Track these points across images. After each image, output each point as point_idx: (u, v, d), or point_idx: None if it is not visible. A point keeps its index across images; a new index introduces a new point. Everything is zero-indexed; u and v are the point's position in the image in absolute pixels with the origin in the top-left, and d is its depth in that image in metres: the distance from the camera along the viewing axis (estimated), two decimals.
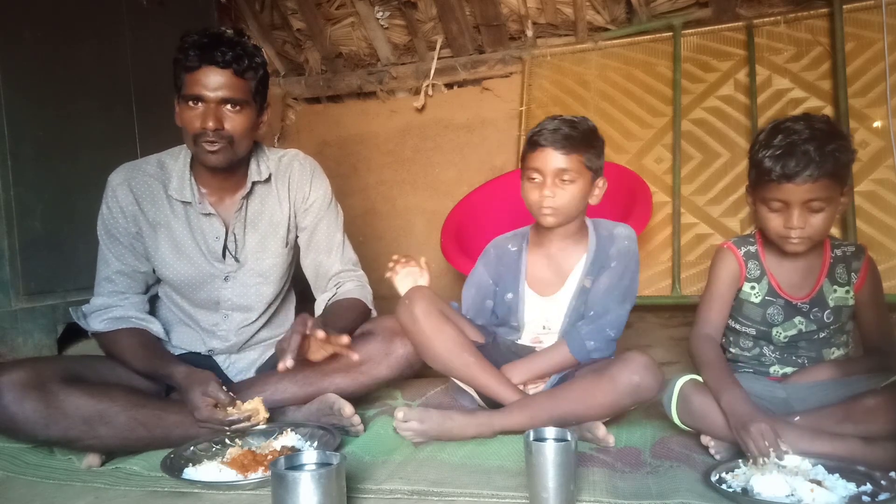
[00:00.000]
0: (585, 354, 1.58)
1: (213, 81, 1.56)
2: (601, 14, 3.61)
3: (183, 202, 1.70)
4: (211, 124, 1.57)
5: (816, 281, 1.54)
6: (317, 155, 1.88)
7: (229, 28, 1.65)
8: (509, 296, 1.70)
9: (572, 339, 1.60)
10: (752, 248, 1.58)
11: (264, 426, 1.50)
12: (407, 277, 1.78)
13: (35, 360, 1.64)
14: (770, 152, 1.40)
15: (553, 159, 1.57)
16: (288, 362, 1.45)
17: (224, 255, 1.73)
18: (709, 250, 1.57)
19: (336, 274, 1.82)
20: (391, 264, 1.83)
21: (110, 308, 1.67)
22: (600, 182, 1.66)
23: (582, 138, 1.59)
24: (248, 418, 1.47)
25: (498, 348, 1.70)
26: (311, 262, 1.84)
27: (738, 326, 1.61)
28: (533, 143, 1.60)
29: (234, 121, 1.60)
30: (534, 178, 1.60)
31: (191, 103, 1.58)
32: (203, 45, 1.56)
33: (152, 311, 1.77)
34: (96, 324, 1.65)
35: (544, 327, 1.71)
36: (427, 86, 3.97)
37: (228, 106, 1.59)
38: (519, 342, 1.74)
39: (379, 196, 4.15)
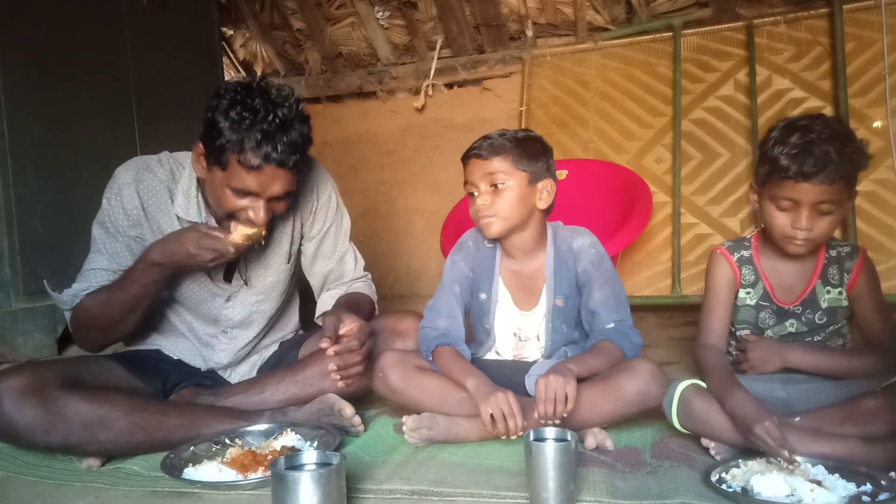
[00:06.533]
0: (635, 351, 1.57)
1: (271, 183, 1.46)
2: (601, 14, 3.62)
3: (189, 221, 1.63)
4: (262, 219, 1.48)
5: (808, 283, 1.53)
6: (317, 155, 1.86)
7: (278, 85, 1.48)
8: (483, 296, 1.69)
9: (621, 339, 1.56)
10: (747, 253, 1.58)
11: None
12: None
13: (34, 365, 1.59)
14: (787, 150, 1.38)
15: (478, 167, 1.57)
16: (324, 343, 1.46)
17: (230, 277, 1.71)
18: (709, 250, 1.57)
19: (351, 280, 1.83)
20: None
21: (88, 289, 1.60)
22: (546, 185, 1.61)
23: (510, 143, 1.57)
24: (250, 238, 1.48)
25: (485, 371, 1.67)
26: (318, 270, 1.82)
27: (732, 328, 1.61)
28: (462, 160, 1.63)
29: (282, 208, 1.55)
30: (472, 193, 1.61)
31: (238, 193, 1.48)
32: (265, 139, 1.41)
33: (151, 321, 1.73)
34: (69, 302, 1.58)
35: (516, 335, 1.69)
36: (427, 86, 3.97)
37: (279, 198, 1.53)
38: (495, 357, 1.71)
39: (379, 196, 4.15)
